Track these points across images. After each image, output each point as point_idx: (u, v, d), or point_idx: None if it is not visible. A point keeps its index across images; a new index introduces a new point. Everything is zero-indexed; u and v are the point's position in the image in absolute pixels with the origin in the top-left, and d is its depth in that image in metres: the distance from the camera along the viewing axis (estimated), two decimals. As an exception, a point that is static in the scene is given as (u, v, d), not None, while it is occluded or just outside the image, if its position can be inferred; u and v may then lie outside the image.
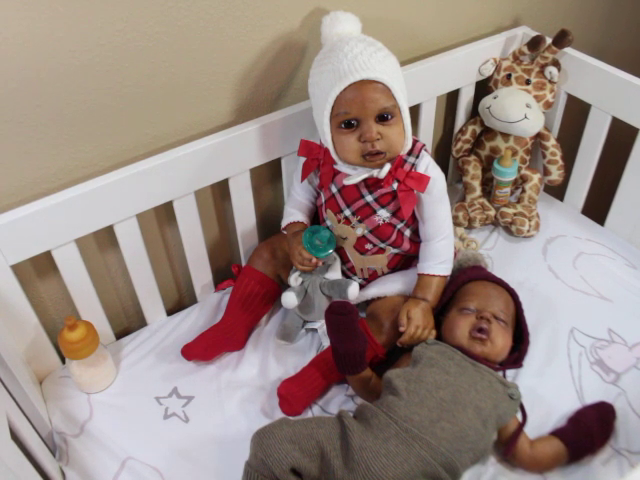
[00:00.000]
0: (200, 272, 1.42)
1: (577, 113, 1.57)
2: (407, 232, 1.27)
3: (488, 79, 1.57)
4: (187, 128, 1.29)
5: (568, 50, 1.49)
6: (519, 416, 1.12)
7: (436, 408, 1.03)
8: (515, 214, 1.54)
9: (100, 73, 1.13)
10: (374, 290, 1.30)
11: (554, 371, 1.25)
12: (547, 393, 1.21)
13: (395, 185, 1.19)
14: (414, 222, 1.27)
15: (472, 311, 1.18)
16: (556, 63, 1.50)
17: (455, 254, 1.31)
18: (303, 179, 1.29)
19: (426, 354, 1.13)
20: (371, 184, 1.20)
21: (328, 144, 1.17)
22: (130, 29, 1.11)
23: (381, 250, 1.28)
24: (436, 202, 1.23)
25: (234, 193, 1.35)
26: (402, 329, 1.20)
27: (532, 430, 1.13)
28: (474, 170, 1.59)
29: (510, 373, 1.23)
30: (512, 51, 1.54)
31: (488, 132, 1.58)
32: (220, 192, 1.41)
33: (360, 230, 1.25)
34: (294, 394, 1.19)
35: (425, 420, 1.02)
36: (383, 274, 1.33)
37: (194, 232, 1.35)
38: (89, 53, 1.10)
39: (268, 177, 1.47)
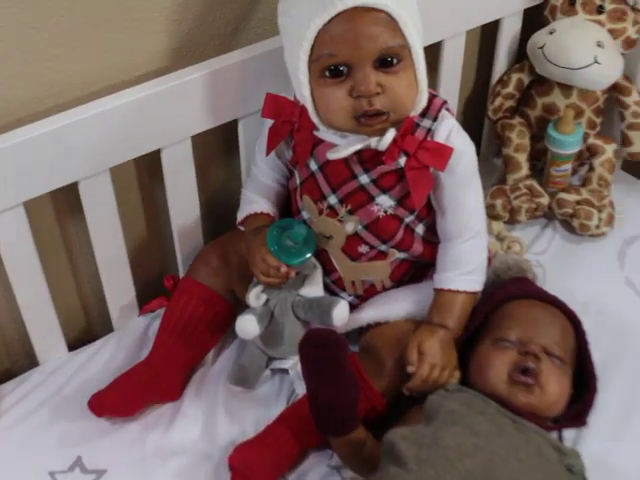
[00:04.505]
0: (117, 287, 1.43)
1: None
2: (419, 229, 1.29)
3: (542, 6, 1.59)
4: (100, 76, 1.29)
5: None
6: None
7: (460, 485, 1.05)
8: (579, 202, 1.55)
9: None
10: (371, 313, 1.31)
11: (635, 433, 1.27)
12: (625, 465, 1.22)
13: (402, 160, 1.20)
14: (429, 214, 1.28)
15: (513, 343, 1.19)
16: (642, -19, 1.53)
17: (490, 260, 1.32)
18: (269, 152, 1.30)
19: (446, 406, 1.14)
20: (368, 159, 1.21)
21: (306, 100, 1.18)
22: None
23: (381, 255, 1.29)
24: (462, 185, 1.24)
25: (168, 172, 1.36)
26: (411, 369, 1.20)
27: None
28: (519, 138, 1.60)
29: (569, 434, 1.24)
30: (577, -35, 1.56)
31: (541, 84, 1.60)
32: (148, 170, 1.42)
33: (351, 225, 1.26)
34: (254, 465, 1.19)
35: (444, 503, 1.03)
36: (384, 289, 1.34)
37: (109, 228, 1.35)
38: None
39: (218, 149, 1.48)
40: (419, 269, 1.35)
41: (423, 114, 1.21)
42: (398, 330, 1.27)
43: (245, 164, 1.44)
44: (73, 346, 1.45)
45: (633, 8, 1.53)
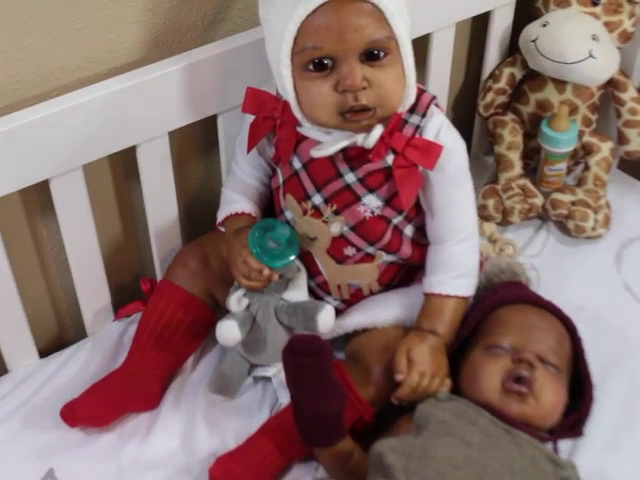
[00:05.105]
0: (91, 291, 1.42)
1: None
2: (408, 230, 1.28)
3: (534, -3, 1.59)
4: (73, 67, 1.28)
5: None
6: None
7: (451, 499, 1.04)
8: (574, 203, 1.55)
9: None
10: (358, 318, 1.30)
11: (634, 443, 1.26)
12: (624, 477, 1.22)
13: (390, 158, 1.20)
14: (418, 215, 1.28)
15: (506, 350, 1.19)
16: (638, -27, 1.53)
17: (481, 264, 1.32)
18: (251, 149, 1.29)
19: (436, 416, 1.14)
20: (354, 157, 1.21)
21: (288, 95, 1.17)
22: None
23: (368, 257, 1.29)
24: (452, 185, 1.24)
25: (145, 169, 1.35)
26: (400, 378, 1.20)
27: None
28: (512, 136, 1.60)
29: (565, 446, 1.23)
30: (571, -45, 1.56)
31: (533, 79, 1.60)
32: (123, 168, 1.41)
33: (337, 227, 1.25)
34: (236, 478, 1.19)
35: (434, 518, 1.03)
36: (372, 294, 1.34)
37: (82, 229, 1.34)
38: None
39: (197, 145, 1.47)
40: (408, 272, 1.35)
41: (411, 110, 1.21)
42: (386, 336, 1.27)
43: (225, 161, 1.43)
44: (44, 353, 1.44)
45: (629, 0, 1.52)
